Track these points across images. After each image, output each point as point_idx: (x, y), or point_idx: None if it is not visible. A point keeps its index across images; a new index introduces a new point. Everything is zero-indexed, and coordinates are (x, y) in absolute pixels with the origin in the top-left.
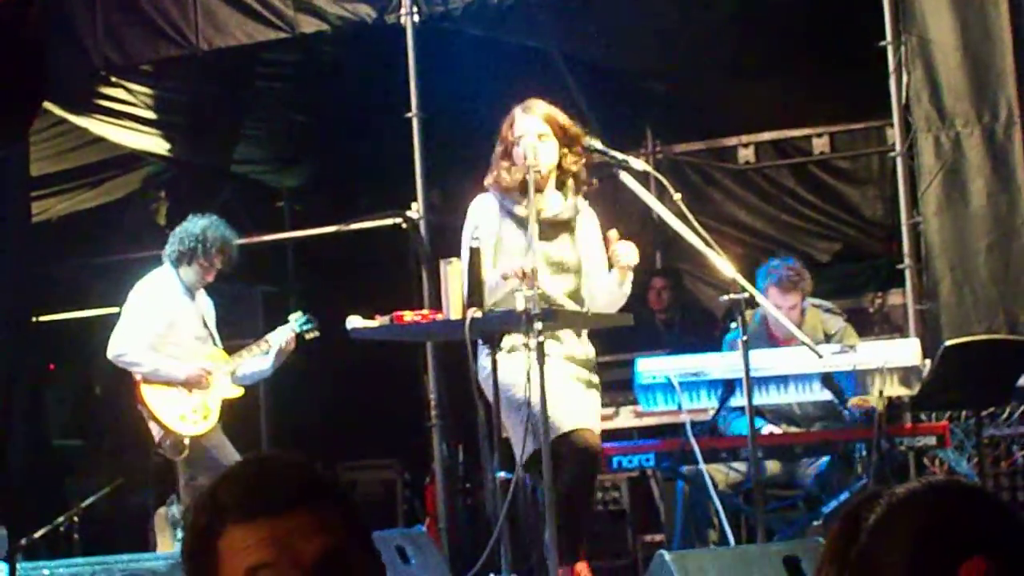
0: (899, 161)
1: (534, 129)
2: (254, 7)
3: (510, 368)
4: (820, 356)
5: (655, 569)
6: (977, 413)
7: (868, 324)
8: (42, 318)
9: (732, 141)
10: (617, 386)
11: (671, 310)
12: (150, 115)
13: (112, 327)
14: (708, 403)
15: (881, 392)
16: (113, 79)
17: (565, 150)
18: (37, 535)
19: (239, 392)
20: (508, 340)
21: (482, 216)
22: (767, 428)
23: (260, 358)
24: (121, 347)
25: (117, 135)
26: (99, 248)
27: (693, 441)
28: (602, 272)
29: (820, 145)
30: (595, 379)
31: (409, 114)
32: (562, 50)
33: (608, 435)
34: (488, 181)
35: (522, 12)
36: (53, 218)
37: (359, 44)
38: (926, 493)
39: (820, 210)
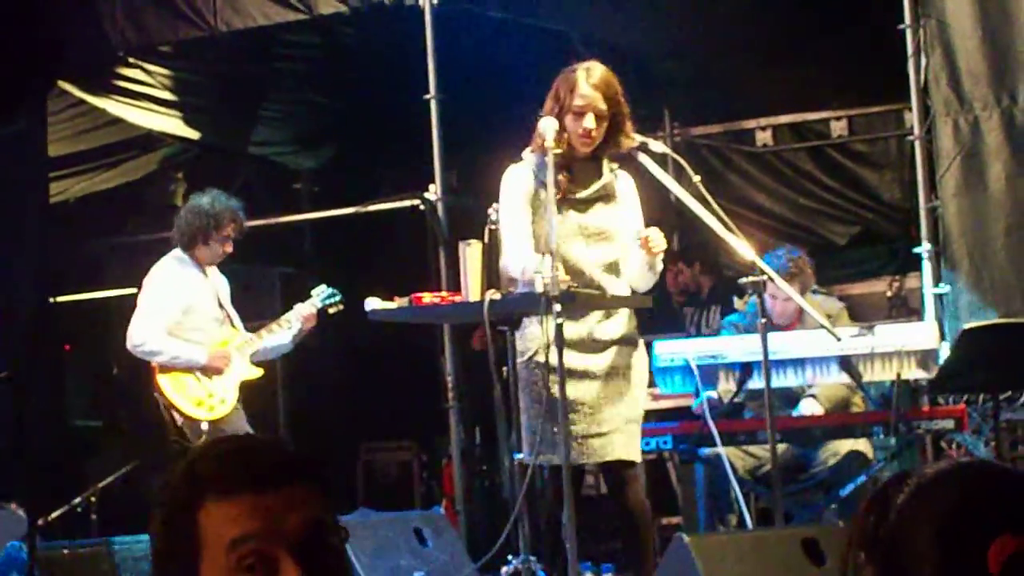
0: (917, 144)
1: (595, 105)
2: None
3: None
4: (838, 339)
5: (673, 552)
6: (995, 397)
7: (885, 307)
8: (60, 299)
9: (750, 124)
10: None
11: (687, 292)
12: (168, 96)
13: (130, 308)
14: (726, 386)
15: (899, 375)
16: (132, 60)
17: (616, 131)
18: (55, 516)
19: (258, 373)
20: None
21: (509, 192)
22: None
23: (279, 334)
24: (139, 337)
25: (135, 116)
26: (117, 229)
27: (711, 424)
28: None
29: (838, 128)
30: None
31: (427, 96)
32: (580, 31)
33: None
34: (536, 142)
35: None
36: (71, 199)
37: (377, 25)
38: (955, 473)
39: (838, 193)
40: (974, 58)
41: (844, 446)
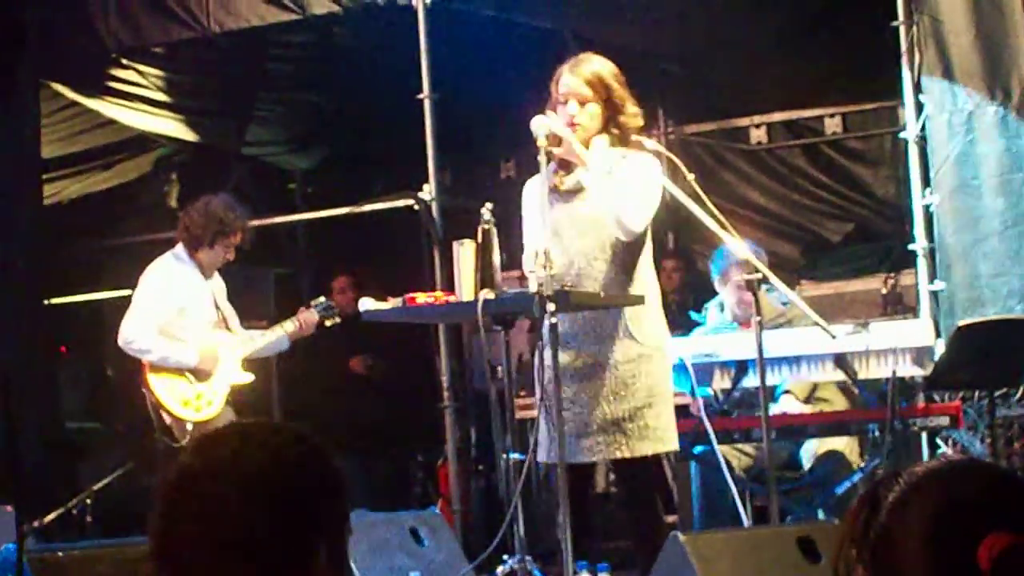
0: (911, 141)
1: (576, 91)
2: None
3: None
4: (833, 336)
5: (669, 550)
6: (990, 393)
7: (880, 304)
8: (54, 300)
9: (744, 121)
10: None
11: (683, 291)
12: (162, 97)
13: (123, 309)
14: (721, 384)
15: (894, 372)
16: (125, 61)
17: (615, 112)
18: (50, 518)
19: (248, 379)
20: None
21: (527, 195)
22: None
23: (273, 337)
24: (131, 334)
25: (129, 117)
26: (111, 230)
27: (707, 422)
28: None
29: (832, 125)
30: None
31: (421, 95)
32: (574, 30)
33: None
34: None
35: None
36: (65, 200)
37: (370, 25)
38: (945, 471)
39: (832, 190)
40: (967, 55)
41: (823, 445)
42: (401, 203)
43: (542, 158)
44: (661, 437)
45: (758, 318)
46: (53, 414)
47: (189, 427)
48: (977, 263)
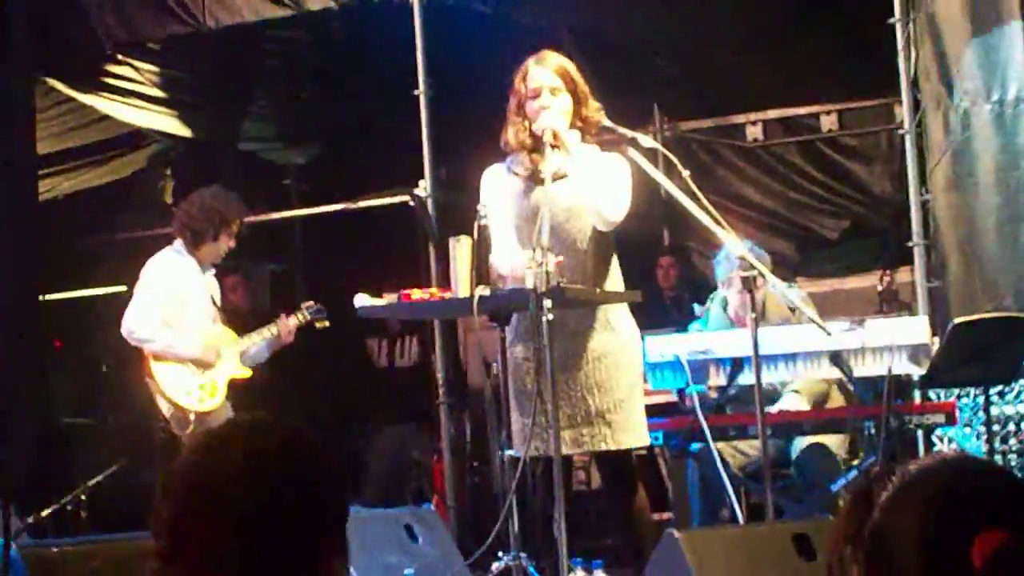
0: (907, 138)
1: (547, 83)
2: None
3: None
4: (829, 334)
5: (664, 547)
6: (985, 391)
7: (876, 301)
8: (48, 296)
9: (740, 118)
10: None
11: (679, 288)
12: (157, 93)
13: (119, 304)
14: (716, 381)
15: (890, 369)
16: (120, 57)
17: (579, 104)
18: (44, 513)
19: (247, 373)
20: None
21: (489, 190)
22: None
23: (269, 340)
24: (133, 324)
25: (124, 113)
26: (106, 226)
27: (702, 419)
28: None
29: (828, 122)
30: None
31: (416, 91)
32: (569, 26)
33: None
34: (502, 140)
35: None
36: (59, 196)
37: (366, 21)
38: (938, 468)
39: (828, 187)
40: (964, 51)
41: (807, 440)
42: (397, 199)
43: (547, 153)
44: (641, 430)
45: (753, 315)
46: (47, 410)
47: (192, 417)
48: (973, 260)
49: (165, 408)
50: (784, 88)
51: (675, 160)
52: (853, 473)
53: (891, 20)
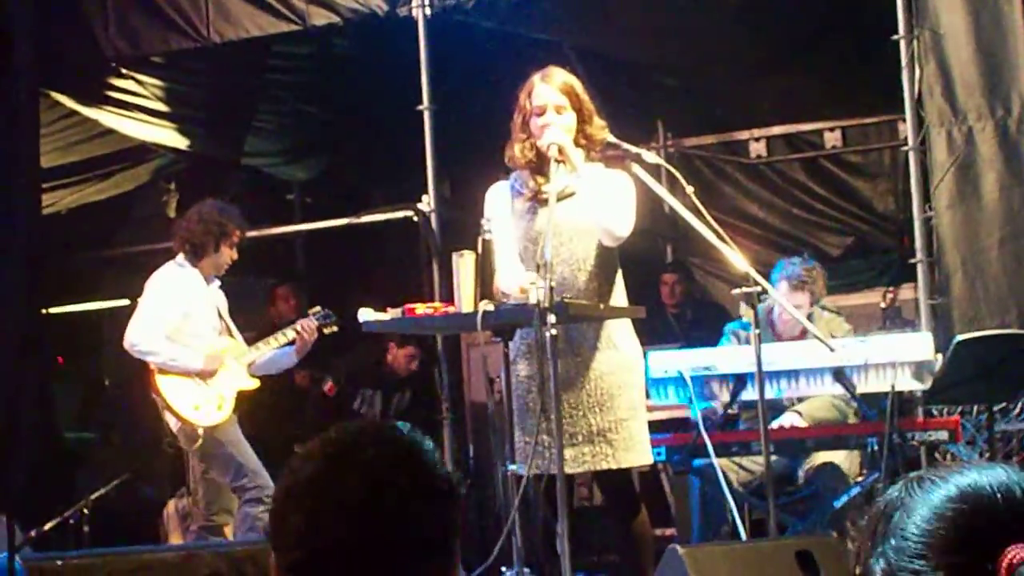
0: (911, 155)
1: (552, 100)
2: None
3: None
4: (832, 350)
5: (667, 563)
6: (989, 408)
7: (879, 318)
8: (51, 310)
9: (744, 135)
10: None
11: (683, 304)
12: (161, 107)
13: (122, 319)
14: (720, 397)
15: (893, 386)
16: (124, 71)
17: (583, 123)
18: (47, 527)
19: (254, 384)
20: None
21: (493, 206)
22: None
23: (279, 349)
24: (137, 337)
25: (127, 127)
26: (109, 240)
27: (705, 435)
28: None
29: (832, 139)
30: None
31: (420, 107)
32: (574, 43)
33: None
34: (507, 156)
35: (534, 5)
36: (63, 210)
37: (371, 37)
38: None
39: (832, 204)
40: (968, 69)
41: (819, 458)
42: (400, 214)
43: (553, 169)
44: (644, 449)
45: (756, 331)
46: (50, 424)
47: (200, 431)
48: (976, 277)
49: (172, 423)
50: (788, 105)
51: (679, 176)
52: (856, 490)
53: (895, 37)
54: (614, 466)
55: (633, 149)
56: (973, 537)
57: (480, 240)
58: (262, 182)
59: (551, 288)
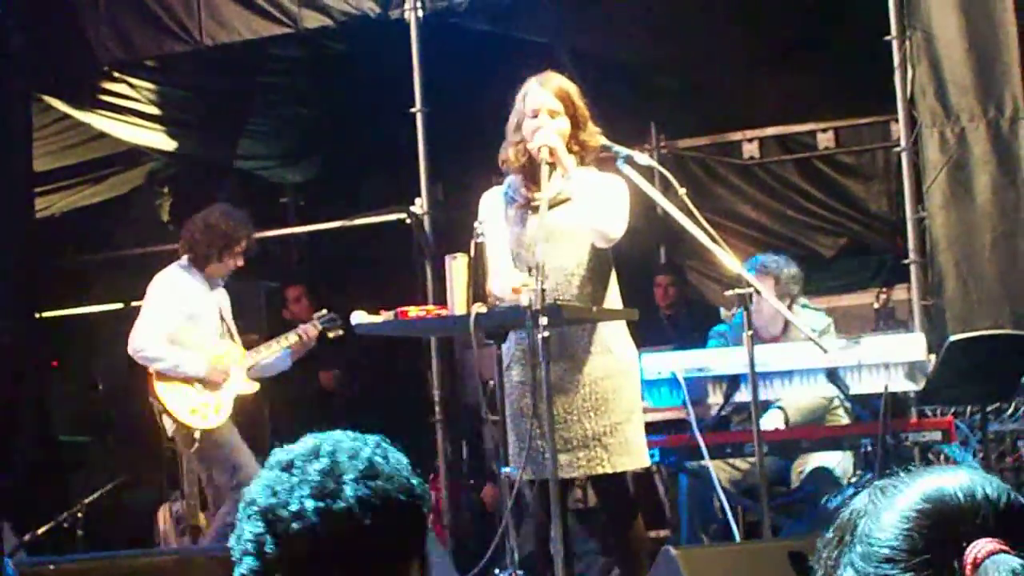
0: (904, 156)
1: (546, 104)
2: (258, 2)
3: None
4: (825, 351)
5: (661, 564)
6: (982, 408)
7: (872, 319)
8: (46, 313)
9: (736, 136)
10: None
11: (676, 306)
12: (154, 111)
13: (116, 322)
14: (713, 398)
15: (886, 387)
16: (117, 74)
17: (577, 129)
18: (41, 531)
19: (254, 388)
20: (507, 357)
21: (486, 211)
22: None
23: (278, 353)
24: (141, 343)
25: (121, 131)
26: (103, 244)
27: (699, 436)
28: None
29: (825, 140)
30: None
31: (413, 109)
32: (567, 44)
33: None
34: (500, 159)
35: (526, 6)
36: (56, 213)
37: (363, 39)
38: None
39: (825, 205)
40: (960, 69)
41: (811, 460)
42: (393, 217)
43: (544, 171)
44: (639, 452)
45: (749, 332)
46: (45, 427)
47: (196, 435)
48: (970, 278)
49: (169, 426)
50: (781, 106)
51: (671, 178)
52: (849, 491)
53: (887, 38)
54: (609, 470)
55: (625, 151)
56: (938, 537)
57: (473, 243)
58: (256, 185)
59: (543, 291)
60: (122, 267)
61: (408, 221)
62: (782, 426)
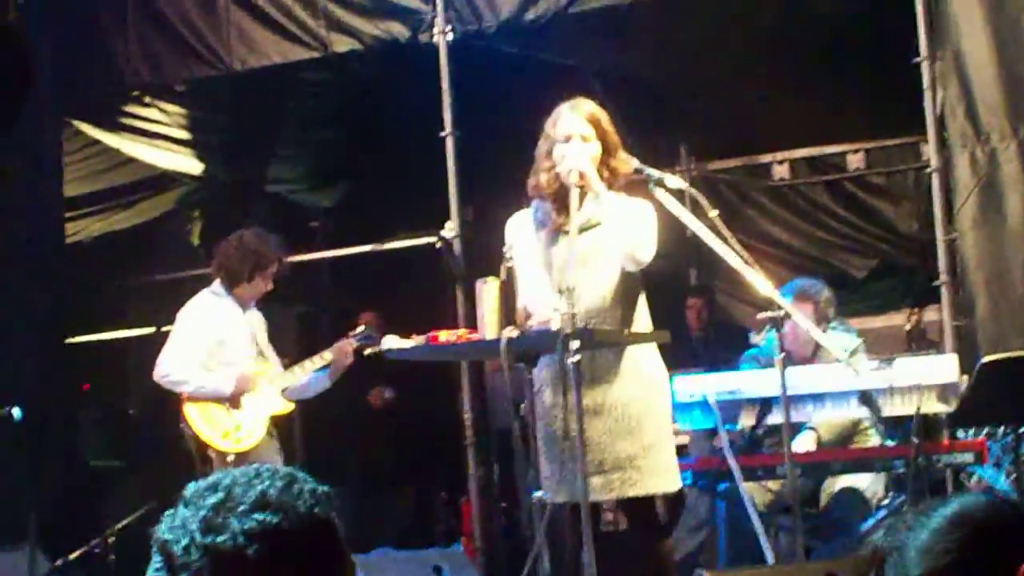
0: (935, 177)
1: (577, 129)
2: (287, 26)
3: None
4: (857, 373)
5: None
6: (1015, 429)
7: (904, 340)
8: (76, 339)
9: (767, 158)
10: None
11: (707, 328)
12: (184, 135)
13: (147, 347)
14: (746, 421)
15: (918, 408)
16: (147, 99)
17: (607, 155)
18: (73, 556)
19: (288, 408)
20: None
21: (515, 233)
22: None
23: (315, 373)
24: (167, 367)
25: (151, 155)
26: (133, 269)
27: (731, 459)
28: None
29: (855, 161)
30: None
31: (443, 133)
32: (596, 67)
33: None
34: (530, 185)
35: (556, 30)
36: (87, 239)
37: (393, 62)
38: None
39: (855, 226)
40: (990, 89)
41: (839, 482)
42: (424, 240)
43: (574, 195)
44: (671, 474)
45: (782, 355)
46: (76, 452)
47: (230, 459)
48: (1001, 298)
49: (203, 450)
50: (811, 127)
51: (702, 200)
52: (881, 513)
53: (917, 59)
54: (641, 492)
55: (656, 174)
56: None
57: (504, 267)
58: (285, 209)
59: (573, 315)
60: (153, 292)
61: (438, 245)
62: (814, 448)
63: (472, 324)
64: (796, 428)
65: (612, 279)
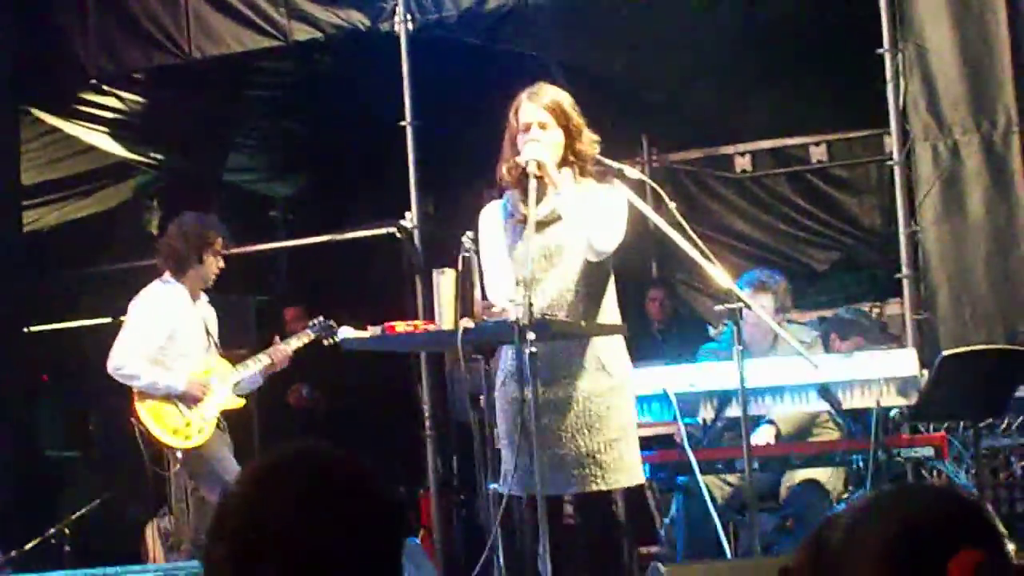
0: (897, 170)
1: (536, 118)
2: (247, 15)
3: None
4: (816, 367)
5: None
6: (975, 424)
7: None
8: (34, 328)
9: (729, 150)
10: None
11: (669, 320)
12: (142, 124)
13: (105, 337)
14: (705, 414)
15: (878, 402)
16: (105, 88)
17: (572, 139)
18: (28, 547)
19: (239, 403)
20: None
21: (485, 223)
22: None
23: (255, 371)
24: (120, 360)
25: (109, 144)
26: (91, 258)
27: (690, 452)
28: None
29: (817, 154)
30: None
31: (403, 122)
32: (557, 58)
33: None
34: (498, 176)
35: (517, 20)
36: (45, 228)
37: (353, 52)
38: (892, 500)
39: (818, 219)
40: (953, 83)
41: (799, 475)
42: (383, 231)
43: (532, 185)
44: (634, 469)
45: (739, 347)
46: (32, 442)
47: (179, 455)
48: (963, 292)
49: (153, 446)
50: (773, 119)
51: (662, 192)
52: (842, 507)
53: (880, 51)
54: (604, 487)
55: (615, 165)
56: (912, 552)
57: (460, 257)
58: (244, 199)
59: (531, 306)
60: (111, 281)
61: (398, 235)
62: (773, 441)
63: (431, 315)
64: (755, 421)
65: (575, 273)
